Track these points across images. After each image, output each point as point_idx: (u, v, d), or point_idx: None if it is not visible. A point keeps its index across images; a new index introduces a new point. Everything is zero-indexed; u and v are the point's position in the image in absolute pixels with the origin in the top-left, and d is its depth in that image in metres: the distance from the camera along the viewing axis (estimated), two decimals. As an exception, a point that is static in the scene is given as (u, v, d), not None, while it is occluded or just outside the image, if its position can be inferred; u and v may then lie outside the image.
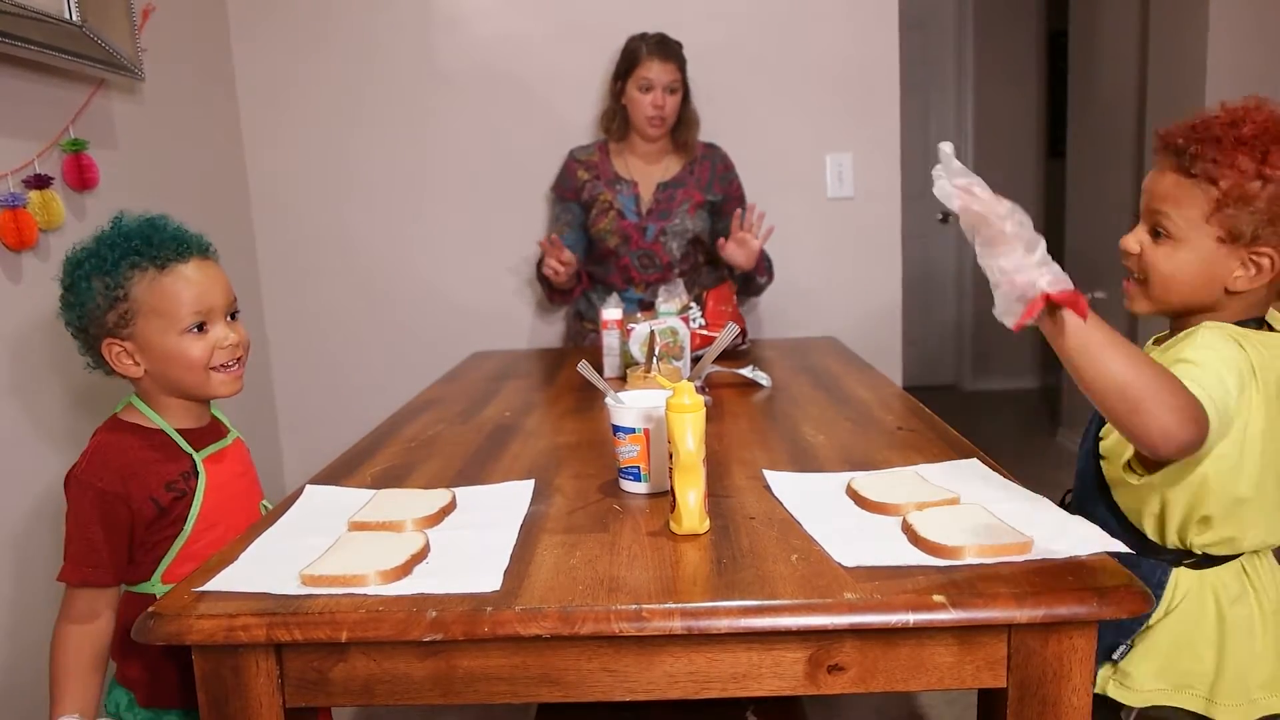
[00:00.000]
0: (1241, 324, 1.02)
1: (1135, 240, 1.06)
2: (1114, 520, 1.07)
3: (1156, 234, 1.04)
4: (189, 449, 1.19)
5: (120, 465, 1.13)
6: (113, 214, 1.21)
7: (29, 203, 1.57)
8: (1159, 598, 1.02)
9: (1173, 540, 1.03)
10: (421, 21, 2.53)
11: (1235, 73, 2.78)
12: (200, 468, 1.19)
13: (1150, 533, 1.05)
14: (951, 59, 4.91)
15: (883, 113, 2.56)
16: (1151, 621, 1.02)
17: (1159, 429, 0.86)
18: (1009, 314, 0.86)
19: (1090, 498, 1.11)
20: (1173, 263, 1.02)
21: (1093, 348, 0.87)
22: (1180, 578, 1.02)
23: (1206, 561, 1.02)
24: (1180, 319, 1.07)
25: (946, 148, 0.91)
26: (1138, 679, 1.03)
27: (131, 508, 1.12)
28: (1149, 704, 1.03)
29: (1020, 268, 0.84)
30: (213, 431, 1.25)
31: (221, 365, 1.19)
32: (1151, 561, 1.03)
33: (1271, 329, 1.04)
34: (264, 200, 2.61)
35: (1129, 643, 1.03)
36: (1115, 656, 1.04)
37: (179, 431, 1.19)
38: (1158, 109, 3.07)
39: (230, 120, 2.53)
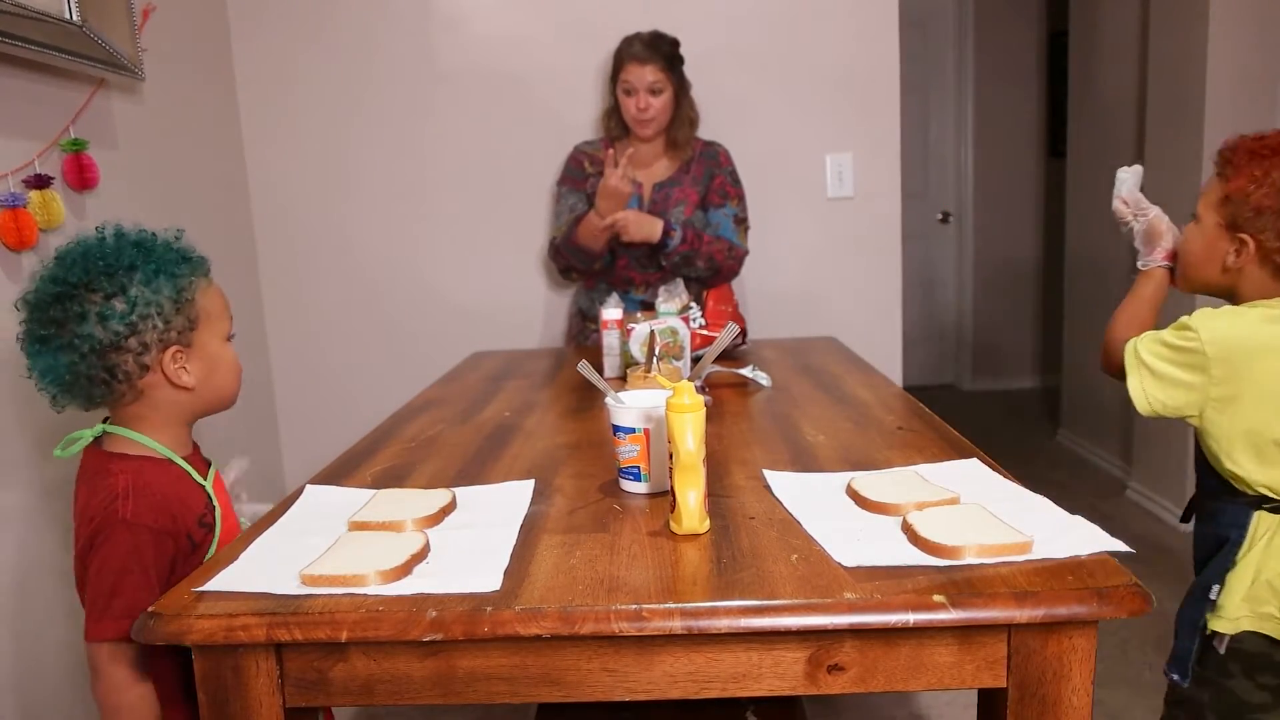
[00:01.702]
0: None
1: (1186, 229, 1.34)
2: (1215, 479, 1.26)
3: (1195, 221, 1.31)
4: (200, 480, 1.15)
5: (161, 501, 1.06)
6: (111, 217, 1.17)
7: (29, 203, 1.57)
8: (1243, 537, 1.21)
9: (1256, 486, 1.20)
10: (421, 21, 2.53)
11: (1235, 73, 2.78)
12: (214, 499, 1.15)
13: (1233, 480, 1.22)
14: (951, 59, 4.91)
15: (883, 113, 2.56)
16: (1237, 558, 1.21)
17: (1103, 344, 1.35)
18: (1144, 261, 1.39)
19: (1201, 467, 1.30)
20: (1190, 236, 1.31)
21: (1138, 287, 1.38)
22: (1261, 519, 1.20)
23: None
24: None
25: (1123, 174, 1.44)
26: (1229, 609, 1.22)
27: (178, 545, 1.06)
28: (1238, 630, 1.21)
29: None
30: (200, 459, 1.20)
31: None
32: (1236, 505, 1.22)
33: None
34: (264, 200, 2.61)
35: (1221, 583, 1.22)
36: (1211, 595, 1.23)
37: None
38: (1158, 109, 3.07)
39: (230, 120, 2.53)
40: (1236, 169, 1.21)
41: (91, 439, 1.12)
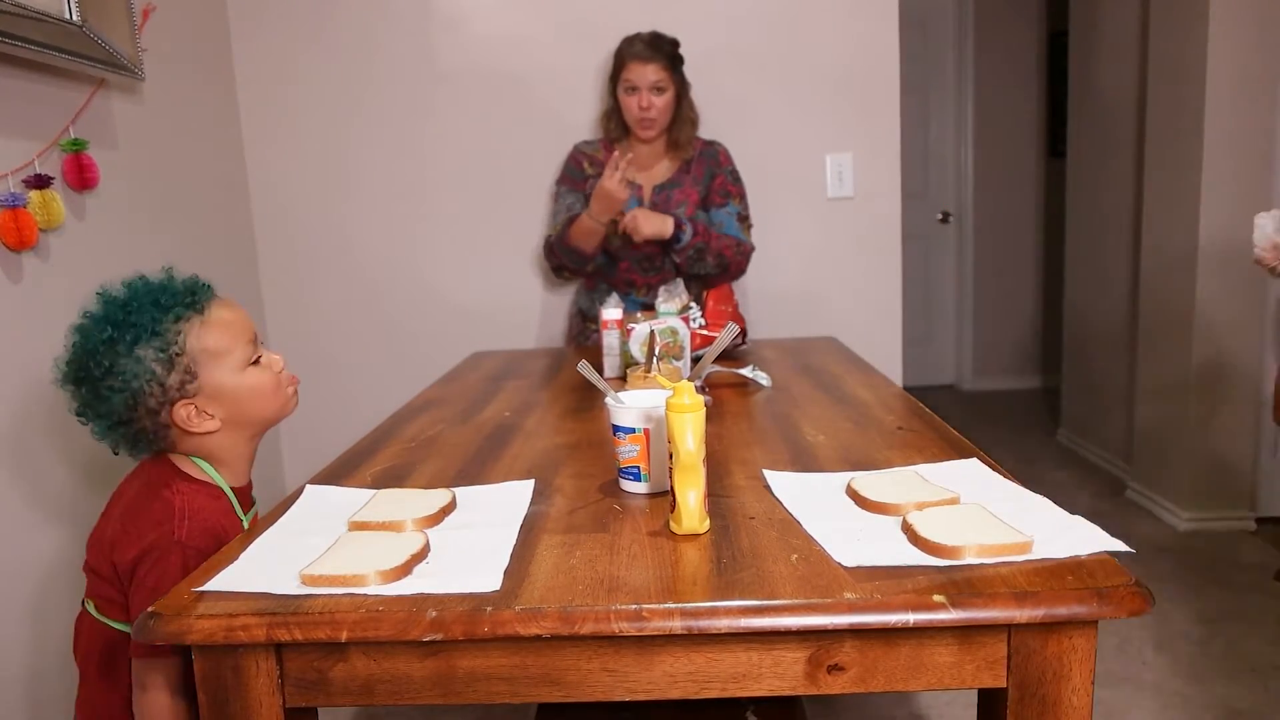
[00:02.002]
0: None
1: None
2: None
3: None
4: (240, 513, 1.17)
5: (210, 528, 1.09)
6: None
7: (29, 203, 1.57)
8: None
9: None
10: (421, 21, 2.53)
11: (1235, 73, 2.78)
12: None
13: None
14: (951, 59, 4.91)
15: (883, 113, 2.56)
16: None
17: (1275, 401, 1.29)
18: None
19: None
20: None
21: None
22: None
23: None
24: None
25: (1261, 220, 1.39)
26: None
27: None
28: None
29: None
30: (248, 495, 1.22)
31: (288, 383, 1.21)
32: None
33: None
34: (264, 200, 2.61)
35: None
36: None
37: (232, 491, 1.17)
38: (1158, 109, 3.07)
39: (230, 120, 2.53)
40: None
41: None
